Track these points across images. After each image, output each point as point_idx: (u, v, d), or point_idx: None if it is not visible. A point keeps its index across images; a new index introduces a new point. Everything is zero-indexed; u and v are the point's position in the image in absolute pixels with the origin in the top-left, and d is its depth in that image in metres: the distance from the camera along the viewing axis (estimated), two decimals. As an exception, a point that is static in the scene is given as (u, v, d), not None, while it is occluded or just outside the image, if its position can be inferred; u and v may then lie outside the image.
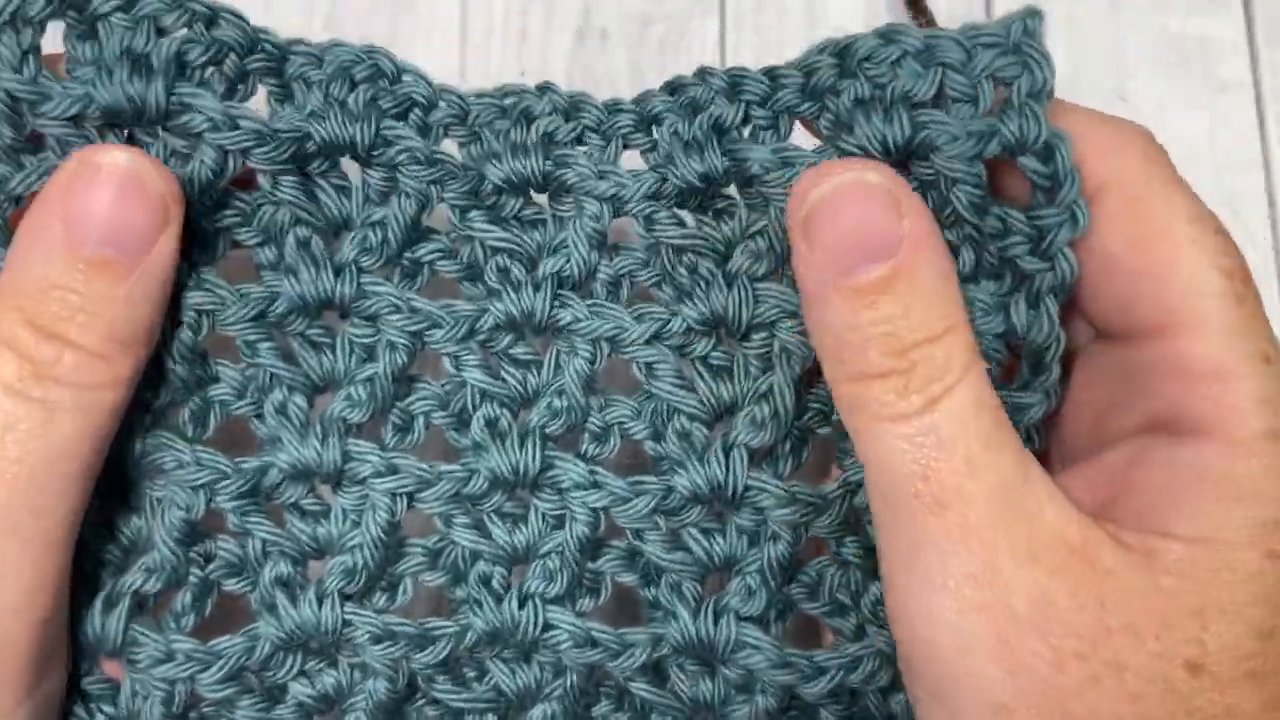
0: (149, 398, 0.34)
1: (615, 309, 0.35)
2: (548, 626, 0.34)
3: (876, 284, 0.29)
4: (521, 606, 0.34)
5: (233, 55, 0.33)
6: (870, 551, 0.34)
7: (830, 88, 0.34)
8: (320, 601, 0.33)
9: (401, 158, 0.34)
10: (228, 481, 0.34)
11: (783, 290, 0.34)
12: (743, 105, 0.34)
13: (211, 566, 0.34)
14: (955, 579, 0.29)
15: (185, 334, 0.34)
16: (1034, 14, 0.33)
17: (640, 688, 0.34)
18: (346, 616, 0.33)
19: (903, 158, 0.33)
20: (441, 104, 0.35)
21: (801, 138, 0.35)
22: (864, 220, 0.30)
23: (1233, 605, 0.29)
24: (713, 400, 0.34)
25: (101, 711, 0.34)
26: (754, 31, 0.53)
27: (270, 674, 0.34)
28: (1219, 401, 0.30)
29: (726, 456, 0.34)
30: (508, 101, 0.35)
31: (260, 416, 0.34)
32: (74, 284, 0.30)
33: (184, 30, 0.33)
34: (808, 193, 0.30)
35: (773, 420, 0.34)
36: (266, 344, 0.34)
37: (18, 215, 0.32)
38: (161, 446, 0.34)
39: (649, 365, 0.34)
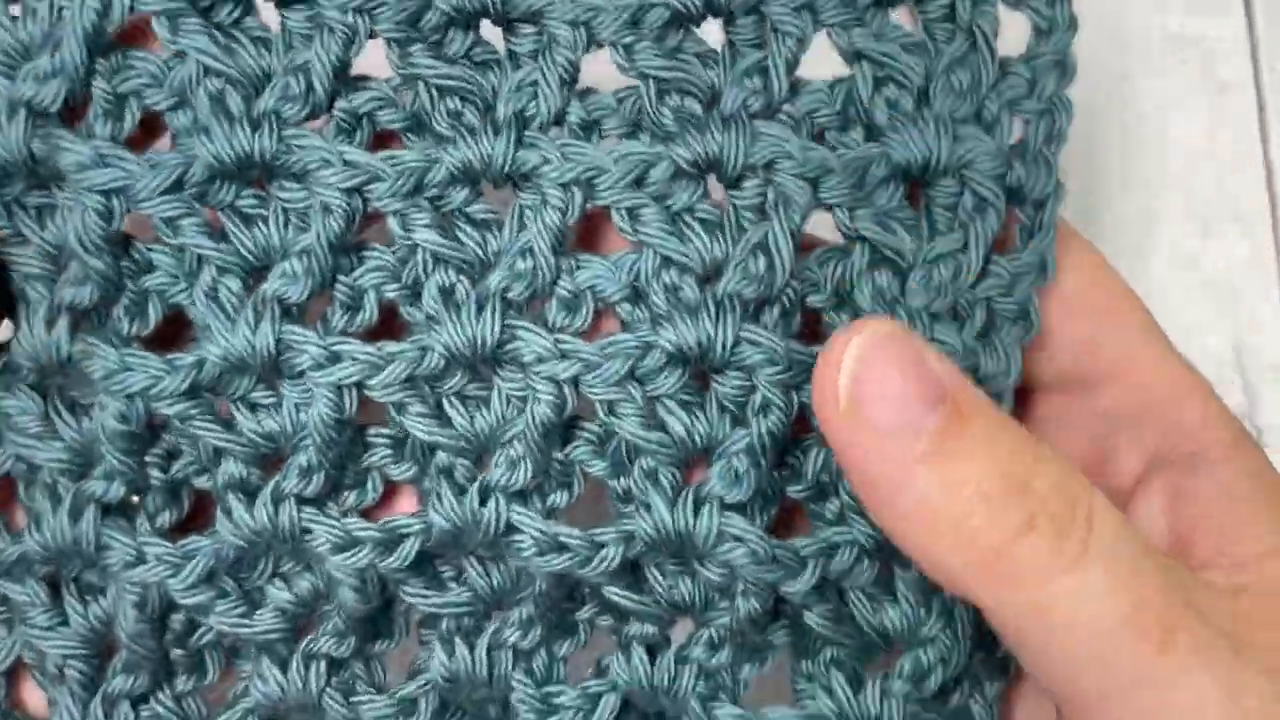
0: (73, 299, 0.30)
1: (590, 149, 0.30)
2: (511, 528, 0.30)
3: (950, 427, 0.25)
4: (483, 502, 0.30)
5: None
6: None
7: None
8: (276, 505, 0.30)
9: None
10: (164, 383, 0.30)
11: (780, 131, 0.30)
12: None
13: (176, 466, 0.32)
14: (1211, 704, 0.25)
15: (92, 219, 0.29)
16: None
17: (615, 592, 0.31)
18: (305, 523, 0.30)
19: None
20: None
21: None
22: (905, 372, 0.26)
23: None
24: (705, 253, 0.30)
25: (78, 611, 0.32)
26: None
27: (244, 577, 0.32)
28: (1206, 418, 0.31)
29: (718, 309, 0.30)
30: None
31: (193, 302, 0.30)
32: None
33: None
34: (836, 380, 0.26)
35: (768, 273, 0.30)
36: (189, 219, 0.30)
37: None
38: (90, 353, 0.30)
39: (631, 211, 0.30)
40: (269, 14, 0.31)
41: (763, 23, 0.32)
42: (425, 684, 0.33)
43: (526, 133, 0.30)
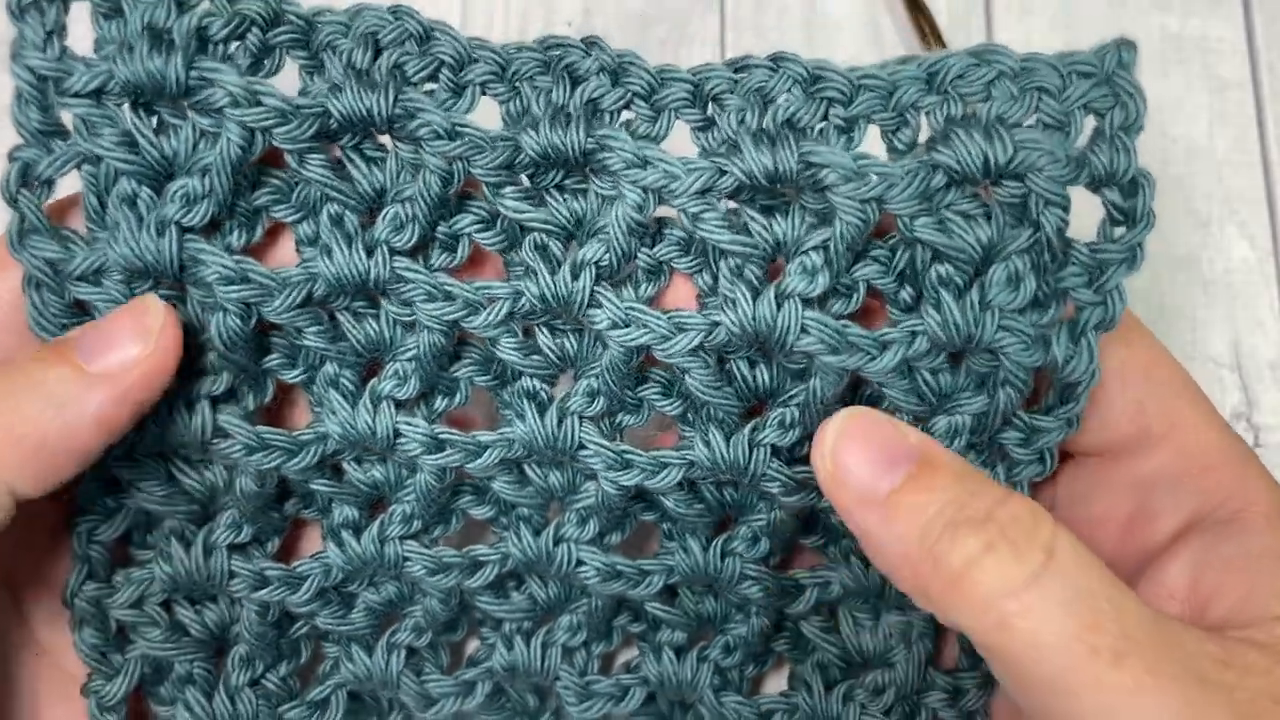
0: (211, 388, 0.35)
1: (652, 315, 0.33)
2: (579, 563, 0.37)
3: (919, 478, 0.30)
4: (556, 545, 0.37)
5: (255, 29, 0.32)
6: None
7: (914, 103, 0.33)
8: (383, 542, 0.37)
9: (422, 132, 0.32)
10: (295, 458, 0.35)
11: (832, 326, 0.32)
12: (824, 103, 0.33)
13: (288, 505, 0.38)
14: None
15: (233, 323, 0.33)
16: (1128, 45, 0.33)
17: (655, 606, 0.39)
18: (405, 553, 0.37)
19: (994, 177, 0.32)
20: (477, 61, 0.34)
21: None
22: (878, 437, 0.31)
23: None
24: (750, 395, 0.35)
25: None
26: (754, 31, 0.53)
27: (344, 587, 0.38)
28: (1244, 486, 0.33)
29: (752, 447, 0.34)
30: (551, 55, 0.34)
31: (311, 382, 0.36)
32: None
33: (205, 4, 0.32)
34: (824, 458, 0.31)
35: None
36: (313, 327, 0.34)
37: (52, 206, 0.33)
38: (229, 432, 0.35)
39: (685, 369, 0.34)
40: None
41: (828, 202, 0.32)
42: (484, 670, 0.39)
43: (599, 289, 0.33)
